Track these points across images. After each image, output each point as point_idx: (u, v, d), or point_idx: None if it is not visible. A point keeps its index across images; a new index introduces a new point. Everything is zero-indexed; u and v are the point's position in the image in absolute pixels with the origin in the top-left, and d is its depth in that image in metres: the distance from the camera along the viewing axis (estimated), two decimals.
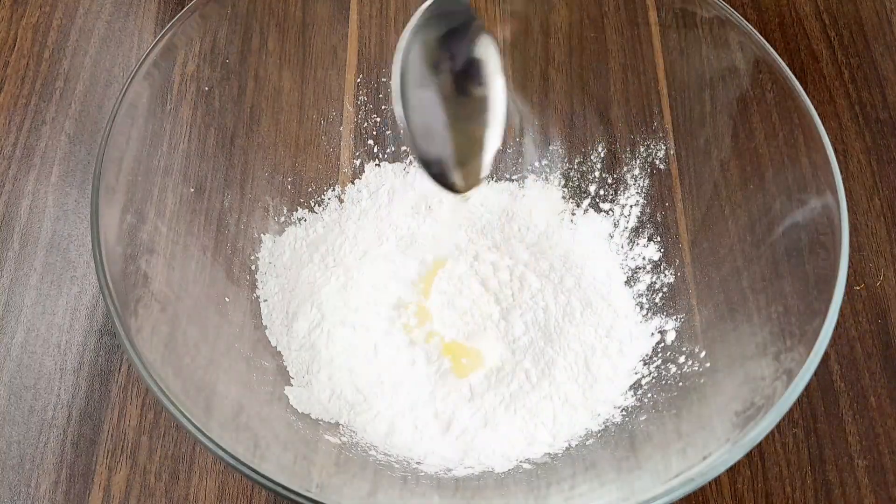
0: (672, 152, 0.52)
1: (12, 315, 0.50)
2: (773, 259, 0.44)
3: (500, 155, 0.57)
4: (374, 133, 0.56)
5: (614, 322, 0.50)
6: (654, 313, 0.50)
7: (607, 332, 0.50)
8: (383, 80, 0.56)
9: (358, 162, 0.56)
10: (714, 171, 0.49)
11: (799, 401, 0.48)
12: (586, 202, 0.55)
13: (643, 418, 0.44)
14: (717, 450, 0.36)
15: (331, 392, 0.46)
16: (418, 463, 0.44)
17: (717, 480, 0.47)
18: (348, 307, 0.50)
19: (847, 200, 0.40)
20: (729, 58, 0.47)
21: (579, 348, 0.49)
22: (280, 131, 0.53)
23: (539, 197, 0.56)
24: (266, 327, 0.48)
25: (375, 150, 0.56)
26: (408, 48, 0.34)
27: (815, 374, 0.36)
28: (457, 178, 0.37)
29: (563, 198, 0.56)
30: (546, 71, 0.56)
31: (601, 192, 0.55)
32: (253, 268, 0.50)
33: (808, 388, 0.44)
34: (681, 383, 0.44)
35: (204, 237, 0.47)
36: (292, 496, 0.33)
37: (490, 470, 0.44)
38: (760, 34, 0.45)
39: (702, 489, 0.46)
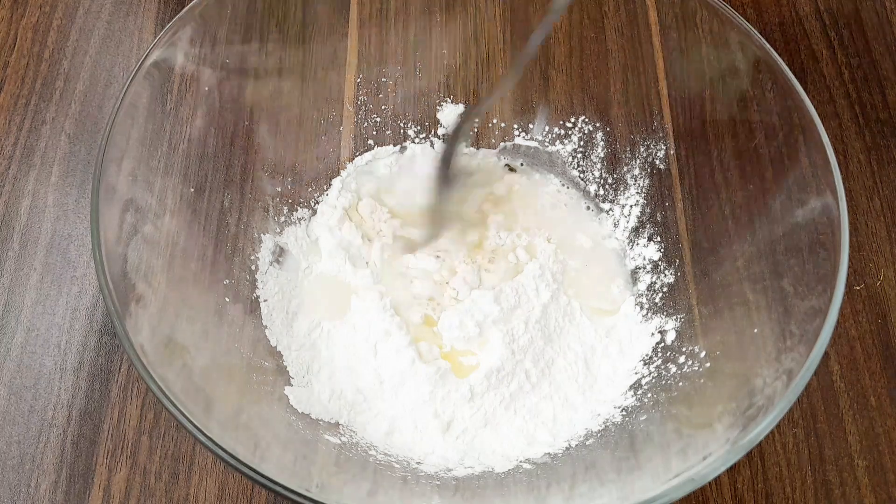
0: (672, 152, 0.52)
1: (12, 315, 0.50)
2: (773, 259, 0.44)
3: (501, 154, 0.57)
4: (374, 133, 0.56)
5: (614, 322, 0.50)
6: (654, 313, 0.50)
7: (607, 332, 0.50)
8: (383, 80, 0.56)
9: None
10: (714, 171, 0.49)
11: (799, 401, 0.48)
12: (586, 202, 0.55)
13: (643, 418, 0.44)
14: (717, 450, 0.36)
15: (331, 392, 0.46)
16: (418, 463, 0.44)
17: (717, 480, 0.47)
18: (348, 307, 0.50)
19: (847, 200, 0.40)
20: (729, 58, 0.47)
21: (579, 348, 0.49)
22: (280, 131, 0.53)
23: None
24: (266, 327, 0.48)
25: (375, 149, 0.56)
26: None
27: (815, 374, 0.36)
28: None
29: None
30: (546, 71, 0.55)
31: (601, 192, 0.55)
32: (253, 268, 0.50)
33: (808, 388, 0.44)
34: (681, 383, 0.44)
35: (204, 237, 0.47)
36: (292, 496, 0.33)
37: (490, 470, 0.44)
38: (760, 34, 0.45)
39: (702, 489, 0.46)
